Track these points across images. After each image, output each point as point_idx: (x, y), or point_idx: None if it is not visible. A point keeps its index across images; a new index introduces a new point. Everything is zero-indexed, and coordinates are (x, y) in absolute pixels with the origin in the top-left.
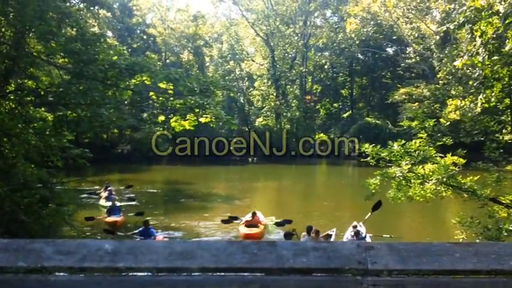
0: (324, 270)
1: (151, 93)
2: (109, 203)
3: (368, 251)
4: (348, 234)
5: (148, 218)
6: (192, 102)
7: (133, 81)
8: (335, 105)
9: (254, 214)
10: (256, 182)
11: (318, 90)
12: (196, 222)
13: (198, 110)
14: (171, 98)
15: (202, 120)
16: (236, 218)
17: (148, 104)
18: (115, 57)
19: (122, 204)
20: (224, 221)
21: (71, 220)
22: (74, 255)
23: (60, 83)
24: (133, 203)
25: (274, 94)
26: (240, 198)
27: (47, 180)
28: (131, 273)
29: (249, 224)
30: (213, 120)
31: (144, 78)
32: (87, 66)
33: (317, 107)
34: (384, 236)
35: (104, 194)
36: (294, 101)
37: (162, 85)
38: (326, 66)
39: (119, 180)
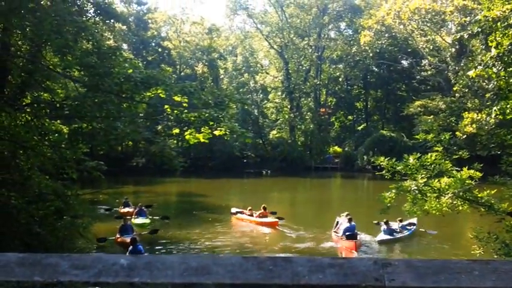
0: (340, 287)
1: (166, 106)
2: (142, 220)
3: (385, 268)
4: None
5: (135, 236)
6: (207, 115)
7: (148, 94)
8: (349, 117)
9: (264, 208)
10: (271, 194)
11: (333, 103)
12: (211, 234)
13: (212, 123)
14: (186, 111)
15: (216, 133)
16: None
17: (163, 117)
18: (130, 70)
19: (151, 219)
20: (233, 213)
21: (85, 233)
22: (89, 270)
23: (76, 96)
24: (167, 221)
25: (289, 106)
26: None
27: (61, 192)
28: None
29: (262, 216)
30: (228, 133)
31: (159, 91)
32: (102, 79)
33: (331, 120)
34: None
35: (129, 210)
36: (308, 113)
37: (177, 98)
38: (340, 79)
39: (134, 192)
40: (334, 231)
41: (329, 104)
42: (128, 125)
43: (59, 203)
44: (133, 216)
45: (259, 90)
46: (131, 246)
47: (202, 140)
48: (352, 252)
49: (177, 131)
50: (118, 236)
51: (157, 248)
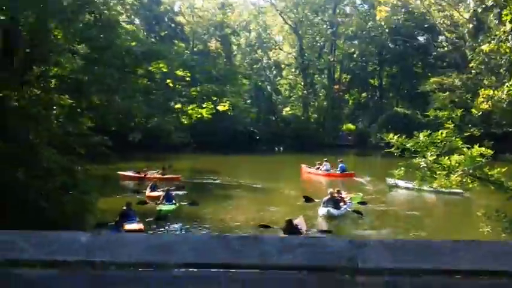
0: (310, 268)
1: (168, 81)
2: (167, 206)
3: (360, 248)
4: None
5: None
6: (211, 90)
7: (150, 68)
8: (364, 94)
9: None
10: (283, 171)
11: (347, 80)
12: (230, 217)
13: (215, 98)
14: (190, 87)
15: (220, 108)
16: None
17: (164, 92)
18: (133, 43)
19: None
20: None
21: (93, 208)
22: (47, 248)
23: (76, 70)
24: (195, 207)
25: (302, 83)
26: (269, 187)
27: (69, 167)
28: (107, 269)
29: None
30: (231, 108)
31: (161, 65)
32: (103, 52)
33: (345, 97)
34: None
35: (157, 193)
36: (322, 90)
37: (179, 72)
38: (355, 55)
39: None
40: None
41: (343, 80)
42: (128, 99)
43: (66, 178)
44: (161, 201)
45: (273, 66)
46: (125, 208)
47: (205, 116)
48: None
49: (179, 106)
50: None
51: (175, 227)
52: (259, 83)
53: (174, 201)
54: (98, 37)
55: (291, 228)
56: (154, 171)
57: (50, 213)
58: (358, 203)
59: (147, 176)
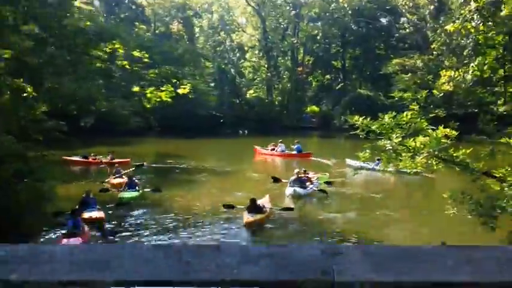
0: (277, 283)
1: (124, 62)
2: (130, 193)
3: (335, 257)
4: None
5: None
6: (170, 72)
7: (105, 48)
8: (327, 76)
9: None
10: (248, 154)
11: (310, 62)
12: (193, 200)
13: (175, 80)
14: (148, 69)
15: (179, 91)
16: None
17: (121, 75)
18: (87, 23)
19: (140, 192)
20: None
21: (51, 196)
22: None
23: (25, 51)
24: (158, 193)
25: (266, 66)
26: (234, 170)
27: (23, 153)
28: None
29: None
30: (191, 91)
31: (116, 46)
32: (51, 31)
33: (309, 79)
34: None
35: (119, 181)
36: (286, 72)
37: (136, 53)
38: (318, 37)
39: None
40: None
41: (306, 63)
42: (80, 82)
43: (20, 165)
44: (123, 188)
45: (236, 49)
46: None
47: (164, 99)
48: None
49: (137, 89)
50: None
51: (138, 214)
52: (223, 66)
53: (137, 188)
54: (46, 16)
55: (254, 207)
56: (101, 156)
57: (2, 201)
58: (324, 182)
59: (95, 160)
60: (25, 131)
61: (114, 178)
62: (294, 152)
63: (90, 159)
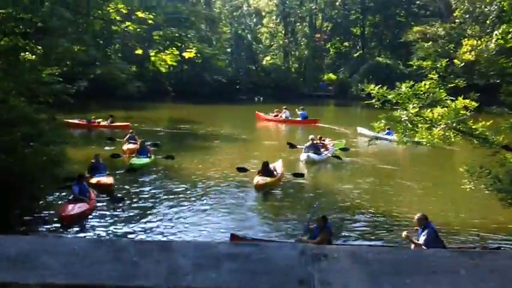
0: None
1: (127, 23)
2: (141, 160)
3: (317, 263)
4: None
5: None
6: (177, 35)
7: (107, 9)
8: (345, 44)
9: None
10: (262, 122)
11: (328, 28)
12: (206, 166)
13: (180, 44)
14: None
15: (185, 54)
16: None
17: (124, 37)
18: None
19: (152, 158)
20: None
21: (62, 160)
22: None
23: (19, 9)
24: (171, 160)
25: (283, 32)
26: (249, 137)
27: (30, 117)
28: None
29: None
30: (198, 55)
31: (119, 5)
32: None
33: (327, 46)
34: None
35: (132, 146)
36: (303, 39)
37: (140, 14)
38: (337, 3)
39: (125, 118)
40: None
41: (325, 29)
42: (78, 43)
43: (27, 129)
44: (134, 155)
45: (253, 14)
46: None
47: (169, 63)
48: None
49: (140, 51)
50: (88, 175)
51: (148, 180)
52: (239, 31)
53: (148, 155)
54: None
55: (266, 171)
56: (101, 120)
57: (11, 166)
58: (340, 149)
59: (95, 124)
60: (35, 93)
61: (127, 143)
62: (299, 119)
63: (90, 123)
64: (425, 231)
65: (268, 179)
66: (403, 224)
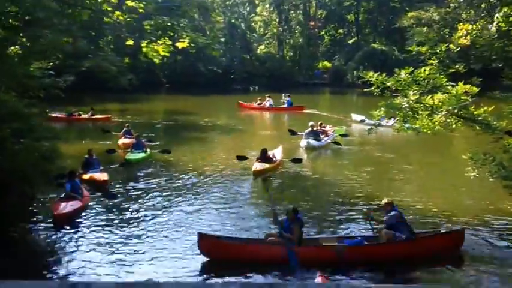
0: None
1: (116, 13)
2: (136, 155)
3: None
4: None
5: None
6: (168, 24)
7: None
8: (340, 31)
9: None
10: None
11: (322, 16)
12: (204, 159)
13: (173, 33)
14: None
15: (178, 44)
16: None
17: (115, 28)
18: None
19: (147, 153)
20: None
21: (54, 156)
22: None
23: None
24: (167, 155)
25: (277, 20)
26: (246, 128)
27: (21, 112)
28: None
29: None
30: (192, 45)
31: None
32: None
33: (321, 34)
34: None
35: (126, 141)
36: (297, 27)
37: (130, 3)
38: None
39: (120, 110)
40: None
41: (319, 16)
42: (63, 34)
43: (18, 125)
44: (130, 150)
45: (247, 2)
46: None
47: (162, 53)
48: None
49: (131, 42)
50: (81, 171)
51: (144, 175)
52: (233, 20)
53: (144, 149)
54: None
55: (264, 157)
56: (81, 113)
57: (2, 163)
58: (340, 135)
59: (75, 117)
60: (25, 88)
61: (123, 138)
62: (285, 106)
63: (72, 116)
64: (390, 214)
65: (266, 165)
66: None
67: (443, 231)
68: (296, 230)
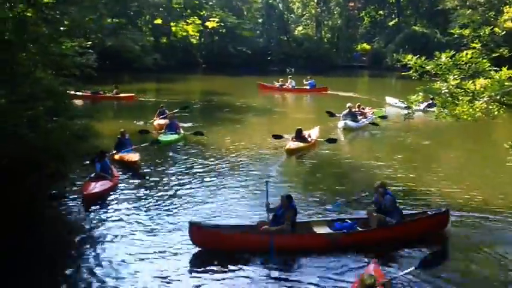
0: None
1: None
2: (169, 136)
3: None
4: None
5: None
6: (196, 2)
7: None
8: (380, 12)
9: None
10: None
11: None
12: (239, 138)
13: (202, 13)
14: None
15: (208, 24)
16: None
17: (140, 5)
18: None
19: (181, 135)
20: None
21: (88, 135)
22: None
23: None
24: (200, 136)
25: (315, 1)
26: (279, 109)
27: (56, 90)
28: None
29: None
30: (222, 24)
31: None
32: None
33: (361, 15)
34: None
35: (160, 122)
36: (336, 8)
37: None
38: None
39: (156, 90)
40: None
41: None
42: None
43: (52, 102)
44: (163, 131)
45: None
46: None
47: (191, 33)
48: None
49: (159, 21)
50: (113, 151)
51: (177, 156)
52: (271, 1)
53: (177, 131)
54: None
55: (299, 137)
56: (106, 91)
57: (33, 141)
58: (379, 116)
59: (100, 95)
60: (59, 66)
61: (158, 119)
62: (307, 87)
63: (96, 94)
64: (386, 198)
65: (300, 144)
66: (432, 199)
67: (429, 212)
68: (288, 217)
